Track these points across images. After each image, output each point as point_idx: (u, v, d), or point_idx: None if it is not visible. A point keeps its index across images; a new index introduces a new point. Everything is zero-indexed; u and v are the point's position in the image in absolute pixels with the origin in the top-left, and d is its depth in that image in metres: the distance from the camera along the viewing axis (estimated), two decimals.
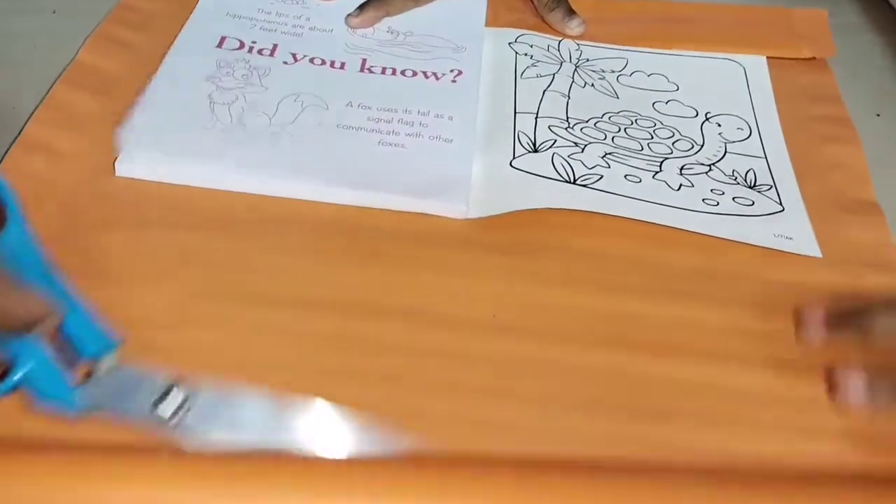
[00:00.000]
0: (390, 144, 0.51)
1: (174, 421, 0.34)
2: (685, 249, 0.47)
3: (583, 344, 0.41)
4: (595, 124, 0.55)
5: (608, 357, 0.41)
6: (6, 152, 0.48)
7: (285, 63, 0.56)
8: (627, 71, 0.60)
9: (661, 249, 0.47)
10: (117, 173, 0.47)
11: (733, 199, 0.50)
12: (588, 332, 0.42)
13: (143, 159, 0.48)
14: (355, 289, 0.43)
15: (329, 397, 0.37)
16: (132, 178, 0.47)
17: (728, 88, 0.59)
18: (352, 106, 0.53)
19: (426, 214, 0.47)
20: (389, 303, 0.43)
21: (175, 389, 0.35)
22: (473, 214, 0.47)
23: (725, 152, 0.53)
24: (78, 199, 0.46)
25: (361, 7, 0.60)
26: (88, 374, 0.36)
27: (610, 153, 0.52)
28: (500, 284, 0.44)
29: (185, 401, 0.35)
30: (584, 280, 0.45)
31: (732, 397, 0.40)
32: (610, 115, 0.55)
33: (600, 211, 0.47)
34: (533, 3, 0.63)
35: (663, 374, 0.40)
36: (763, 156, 0.53)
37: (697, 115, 0.56)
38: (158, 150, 0.48)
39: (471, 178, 0.49)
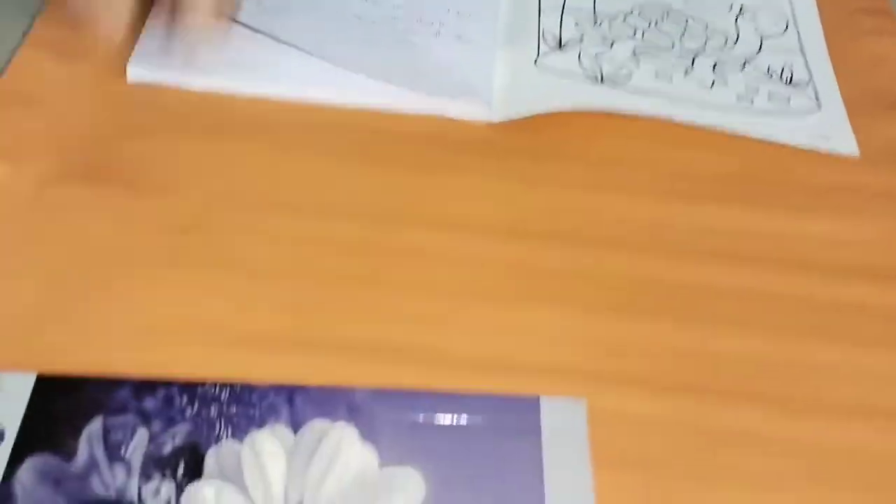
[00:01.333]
0: (410, 44, 0.49)
1: None
2: (715, 152, 0.45)
3: (608, 248, 0.40)
4: (624, 19, 0.52)
5: (633, 260, 0.40)
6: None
7: None
8: None
9: (690, 152, 0.45)
10: (129, 78, 0.46)
11: (768, 96, 0.48)
12: (613, 236, 0.41)
13: (156, 64, 0.46)
14: (377, 195, 0.42)
15: (350, 303, 0.37)
16: (144, 83, 0.46)
17: None
18: (369, 2, 0.51)
19: (447, 118, 0.46)
20: (411, 209, 0.41)
21: None
22: (496, 118, 0.46)
23: (761, 47, 0.51)
24: (89, 105, 0.45)
25: None
26: None
27: (639, 50, 0.50)
28: (523, 189, 0.43)
29: None
30: (609, 184, 0.43)
31: (763, 299, 0.39)
32: (639, 9, 0.53)
33: (629, 111, 0.45)
34: None
35: (689, 279, 0.40)
36: (800, 51, 0.51)
37: (731, 8, 0.53)
38: (170, 54, 0.47)
39: (493, 80, 0.47)
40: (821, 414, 0.36)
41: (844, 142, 0.46)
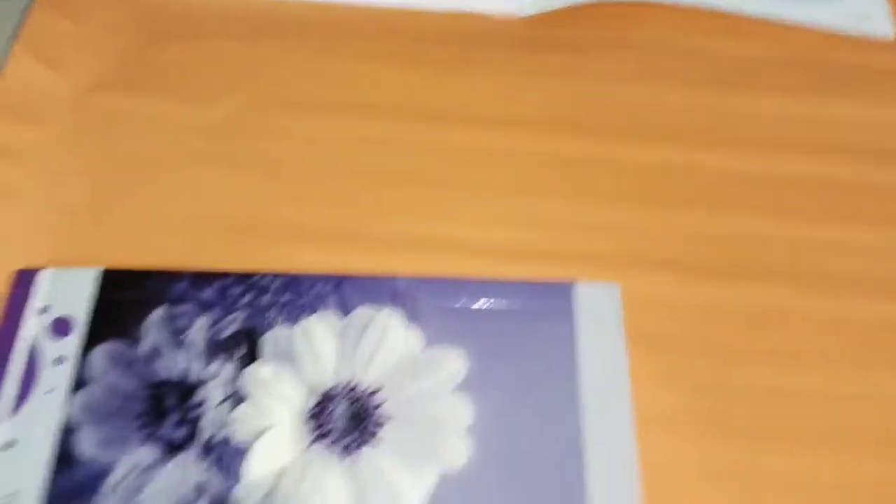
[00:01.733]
0: None
1: None
2: (744, 38, 0.45)
3: (642, 137, 0.41)
4: None
5: (667, 149, 0.40)
6: None
7: None
8: None
9: (721, 40, 0.45)
10: None
11: None
12: (648, 125, 0.41)
13: None
14: (413, 94, 0.42)
15: (389, 198, 0.38)
16: None
17: None
18: None
19: (480, 14, 0.46)
20: (446, 106, 0.42)
21: None
22: (529, 11, 0.45)
23: None
24: (129, 12, 0.45)
25: None
26: None
27: None
28: (556, 83, 0.43)
29: None
30: (644, 74, 0.43)
31: (796, 184, 0.40)
32: None
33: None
34: None
35: (723, 166, 0.40)
36: None
37: None
38: None
39: None
40: (851, 291, 0.37)
41: (881, 24, 0.45)
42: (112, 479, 0.31)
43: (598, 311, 0.35)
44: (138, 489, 0.31)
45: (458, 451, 0.32)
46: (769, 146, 0.41)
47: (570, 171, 0.40)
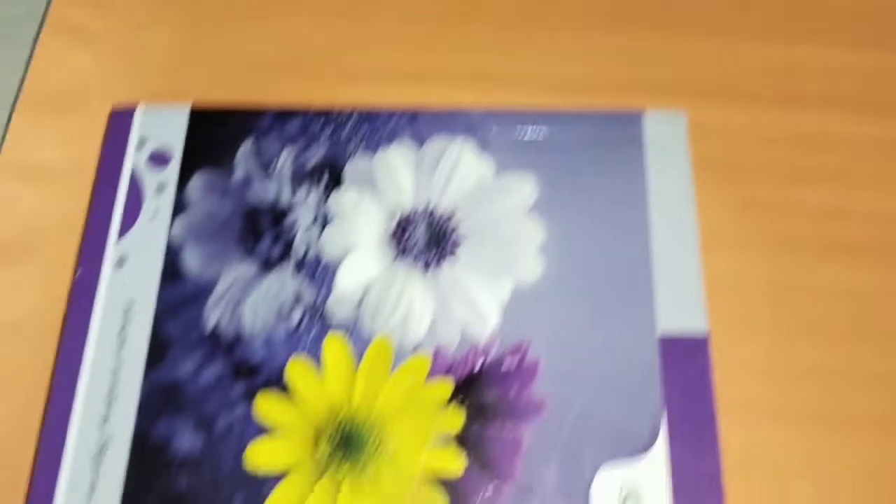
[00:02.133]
0: None
1: None
2: None
3: None
4: None
5: None
6: None
7: None
8: None
9: None
10: None
11: None
12: None
13: None
14: None
15: (458, 35, 0.39)
16: None
17: None
18: None
19: None
20: None
21: None
22: None
23: None
24: None
25: None
26: None
27: None
28: None
29: None
30: None
31: (851, 14, 0.40)
32: None
33: None
34: None
35: None
36: None
37: None
38: None
39: None
40: None
41: None
42: (217, 290, 0.34)
43: (666, 138, 0.36)
44: (241, 299, 0.34)
45: (531, 267, 0.34)
46: None
47: (634, 3, 0.40)
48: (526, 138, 0.36)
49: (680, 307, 0.33)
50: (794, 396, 0.33)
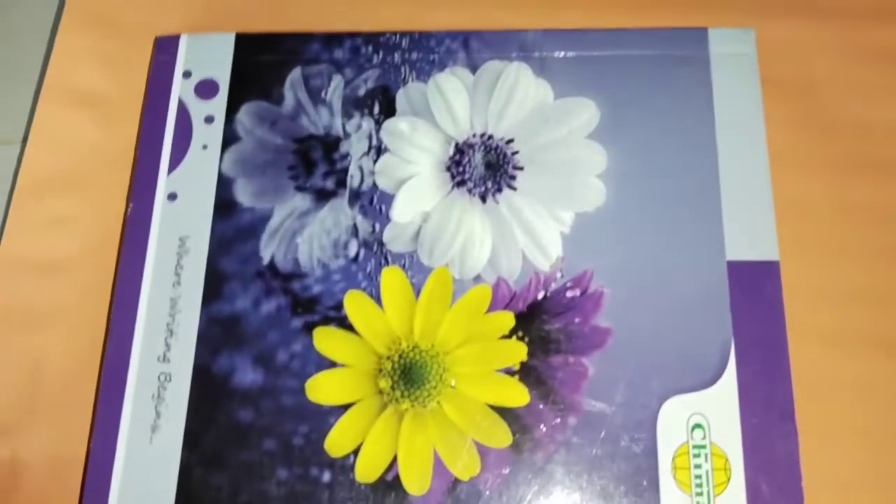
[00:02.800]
0: None
1: None
2: None
3: None
4: None
5: None
6: None
7: None
8: None
9: None
10: None
11: None
12: None
13: None
14: None
15: None
16: None
17: None
18: None
19: None
20: None
21: None
22: None
23: None
24: None
25: None
26: None
27: None
28: None
29: None
30: None
31: None
32: None
33: None
34: None
35: None
36: None
37: None
38: None
39: None
40: None
41: None
42: (272, 223, 0.33)
43: (733, 56, 0.34)
44: (297, 231, 0.33)
45: (593, 194, 0.33)
46: None
47: None
48: (584, 58, 0.34)
49: (750, 232, 0.32)
50: (866, 321, 0.32)
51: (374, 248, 0.32)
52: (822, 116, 0.34)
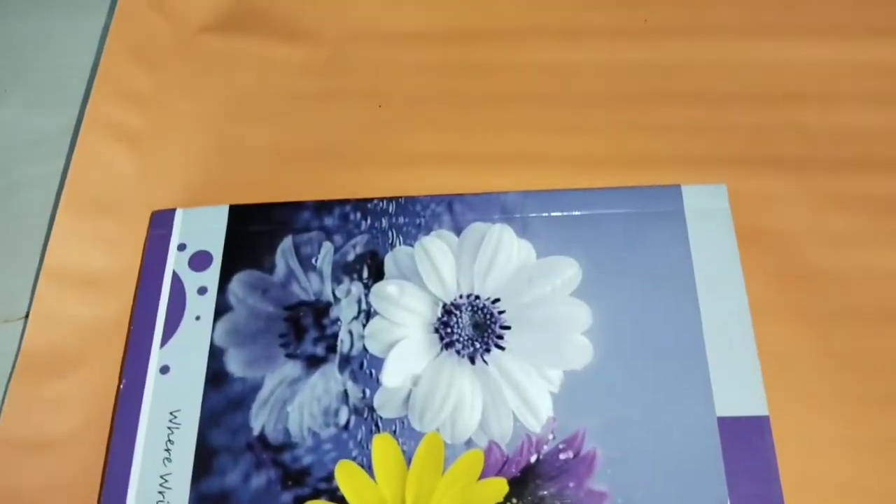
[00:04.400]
0: None
1: None
2: None
3: (732, 37, 0.40)
4: None
5: (758, 51, 0.40)
6: None
7: None
8: None
9: None
10: None
11: None
12: (737, 24, 0.40)
13: None
14: (503, 17, 0.42)
15: (488, 120, 0.39)
16: None
17: None
18: None
19: None
20: (540, 24, 0.41)
21: None
22: None
23: None
24: None
25: None
26: None
27: None
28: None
29: None
30: None
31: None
32: None
33: None
34: None
35: (825, 56, 0.39)
36: None
37: None
38: None
39: None
40: None
41: None
42: (262, 392, 0.32)
43: (707, 211, 0.35)
44: (287, 400, 0.32)
45: (580, 352, 0.32)
46: (876, 34, 0.39)
47: (667, 76, 0.39)
48: (564, 218, 0.35)
49: (737, 387, 0.31)
50: (862, 470, 0.31)
51: (365, 414, 0.32)
52: (799, 266, 0.34)
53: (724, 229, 0.34)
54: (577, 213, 0.35)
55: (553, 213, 0.35)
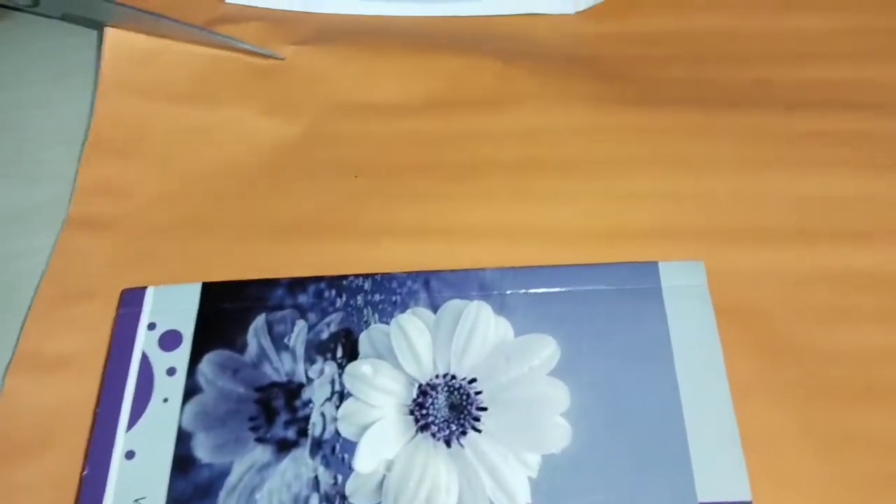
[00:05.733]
0: None
1: None
2: (809, 10, 0.44)
3: (714, 108, 0.40)
4: None
5: (737, 120, 0.40)
6: None
7: None
8: None
9: (785, 14, 0.44)
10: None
11: None
12: (715, 101, 0.40)
13: None
14: (476, 87, 0.42)
15: (464, 193, 0.38)
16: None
17: None
18: None
19: (535, 15, 0.45)
20: (514, 91, 0.41)
21: None
22: (582, 6, 0.45)
23: None
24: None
25: None
26: None
27: None
28: (621, 69, 0.42)
29: None
30: (706, 44, 0.43)
31: (873, 140, 0.38)
32: None
33: None
34: None
35: (802, 126, 0.39)
36: None
37: None
38: None
39: None
40: None
41: None
42: (230, 479, 0.31)
43: (685, 288, 0.34)
44: (256, 488, 0.31)
45: (559, 434, 0.31)
46: (844, 106, 0.40)
47: (642, 146, 0.39)
48: (542, 295, 0.34)
49: (719, 471, 0.30)
50: None
51: (337, 501, 0.30)
52: (779, 343, 0.34)
53: (702, 307, 0.34)
54: (554, 289, 0.34)
55: (531, 290, 0.35)
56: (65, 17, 0.44)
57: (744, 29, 0.43)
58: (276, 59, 0.43)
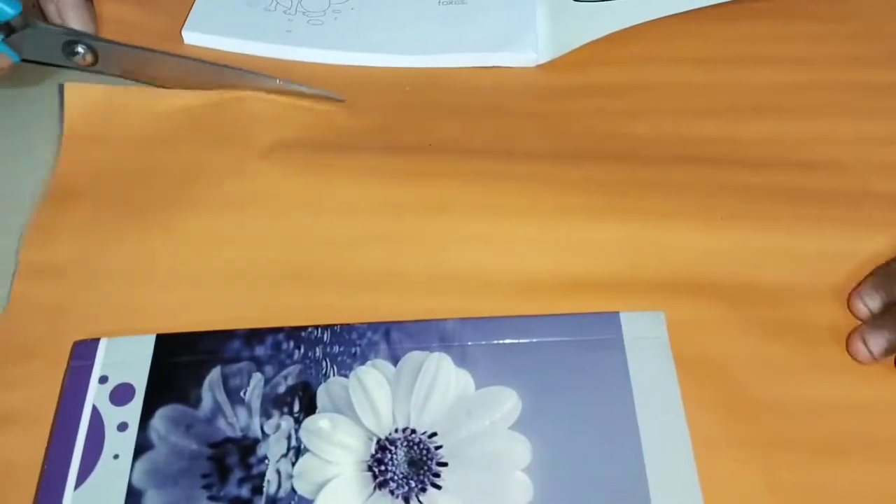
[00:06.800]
0: (451, 3, 0.49)
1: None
2: (772, 64, 0.45)
3: (673, 162, 0.40)
4: None
5: (695, 173, 0.40)
6: None
7: None
8: None
9: (746, 66, 0.45)
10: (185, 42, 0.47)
11: None
12: (673, 155, 0.41)
13: (208, 37, 0.47)
14: (442, 138, 0.42)
15: (424, 243, 0.38)
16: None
17: None
18: None
19: (498, 67, 0.46)
20: (475, 140, 0.42)
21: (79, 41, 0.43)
22: (543, 59, 0.46)
23: None
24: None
25: None
26: (9, 33, 0.42)
27: None
28: (582, 121, 0.43)
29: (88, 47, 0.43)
30: (665, 99, 0.43)
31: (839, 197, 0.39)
32: None
33: (672, 13, 0.45)
34: None
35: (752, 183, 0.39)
36: None
37: None
38: (222, 32, 0.47)
39: (537, 25, 0.47)
40: None
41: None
42: None
43: (646, 339, 0.34)
44: None
45: (520, 490, 0.31)
46: (803, 162, 0.40)
47: (603, 197, 0.39)
48: (503, 346, 0.34)
49: None
50: None
51: None
52: (739, 396, 0.33)
53: (663, 358, 0.33)
54: (515, 340, 0.34)
55: (492, 341, 0.34)
56: (124, 75, 0.45)
57: (701, 83, 0.44)
58: (337, 100, 0.43)
